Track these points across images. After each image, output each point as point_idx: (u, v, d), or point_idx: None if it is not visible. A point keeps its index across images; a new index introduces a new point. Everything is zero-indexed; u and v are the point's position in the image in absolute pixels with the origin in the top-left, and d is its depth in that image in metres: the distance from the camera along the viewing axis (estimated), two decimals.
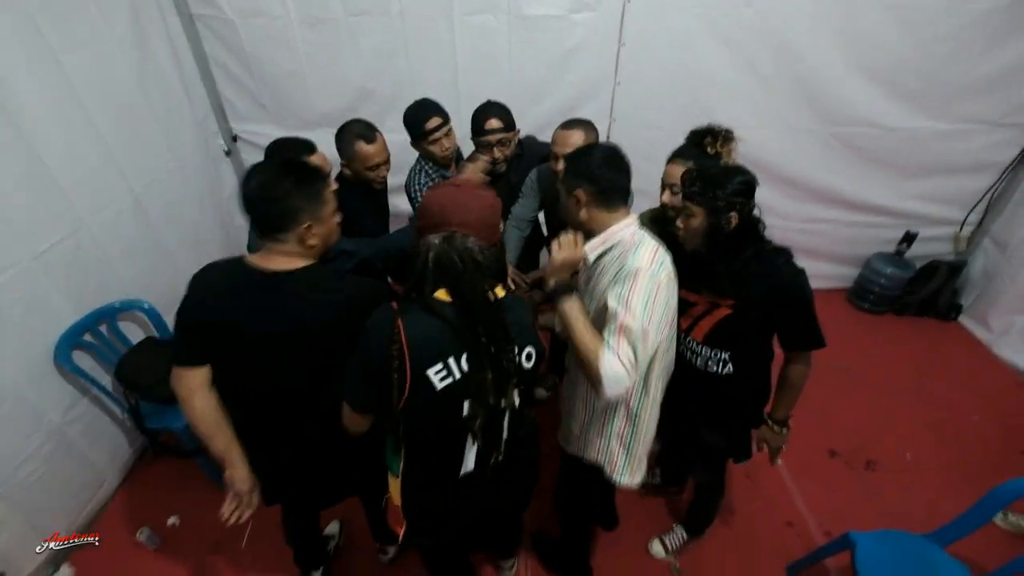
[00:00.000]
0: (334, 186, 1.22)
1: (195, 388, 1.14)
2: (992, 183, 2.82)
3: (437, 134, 1.83)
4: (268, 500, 1.32)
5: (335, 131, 2.90)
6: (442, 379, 0.96)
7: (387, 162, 1.84)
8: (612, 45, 2.49)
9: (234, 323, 1.09)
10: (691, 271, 1.34)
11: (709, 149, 1.49)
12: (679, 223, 1.31)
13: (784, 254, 1.32)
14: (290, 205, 1.07)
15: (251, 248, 1.76)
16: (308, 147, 1.70)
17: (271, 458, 1.26)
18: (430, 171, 1.93)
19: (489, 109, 1.85)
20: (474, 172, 1.79)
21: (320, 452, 1.28)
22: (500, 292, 1.02)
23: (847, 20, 2.36)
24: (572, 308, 1.15)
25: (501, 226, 1.06)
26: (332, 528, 1.95)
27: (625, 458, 1.37)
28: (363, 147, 1.76)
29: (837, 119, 2.65)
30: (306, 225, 1.09)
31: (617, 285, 1.13)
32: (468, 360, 0.97)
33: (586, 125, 1.72)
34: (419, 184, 1.91)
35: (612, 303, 1.11)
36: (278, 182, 1.07)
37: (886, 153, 2.74)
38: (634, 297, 1.10)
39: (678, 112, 2.64)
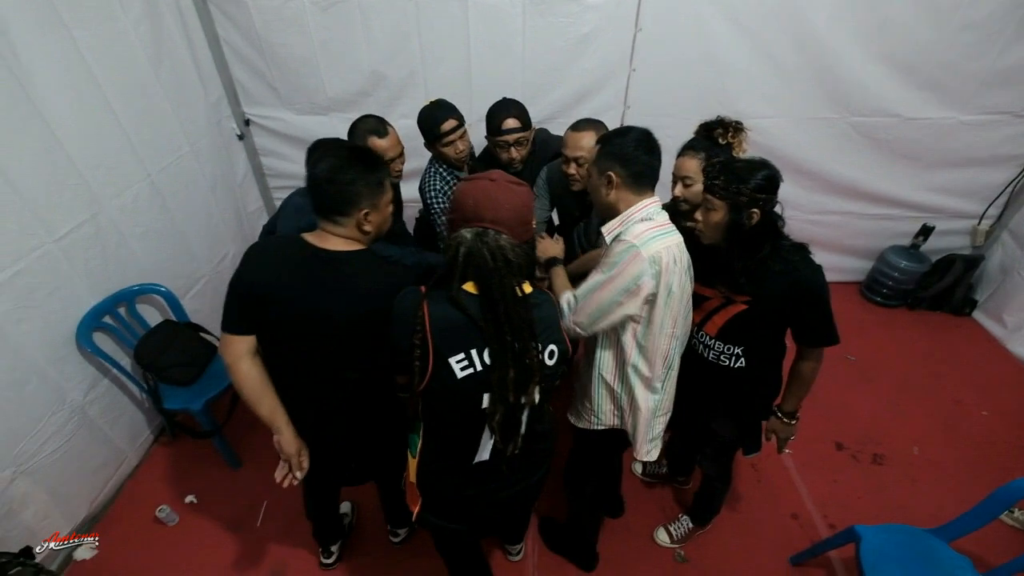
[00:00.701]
0: None
1: (241, 355, 1.19)
2: (1013, 176, 2.76)
3: (452, 136, 1.81)
4: (315, 471, 1.35)
5: (347, 115, 2.89)
6: (463, 368, 0.98)
7: (401, 155, 1.81)
8: (628, 30, 2.45)
9: (288, 296, 1.14)
10: (705, 265, 1.34)
11: (720, 140, 1.47)
12: (697, 215, 1.30)
13: (802, 250, 1.31)
14: (354, 190, 1.12)
15: (267, 232, 1.78)
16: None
17: (306, 434, 1.30)
18: (444, 173, 1.91)
19: (506, 108, 1.80)
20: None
21: (354, 432, 1.33)
22: (528, 288, 1.04)
23: (869, 7, 2.30)
24: (557, 271, 1.46)
25: (534, 223, 1.06)
26: (344, 507, 2.01)
27: (635, 426, 1.38)
28: (376, 142, 1.74)
29: (856, 108, 2.59)
30: (364, 211, 1.15)
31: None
32: (490, 355, 0.98)
33: (597, 125, 1.70)
34: (435, 187, 1.89)
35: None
36: (346, 167, 1.12)
37: (905, 144, 2.69)
38: (606, 260, 1.21)
39: (694, 100, 2.60)
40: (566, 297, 1.28)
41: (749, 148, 1.51)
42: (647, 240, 1.16)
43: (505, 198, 1.00)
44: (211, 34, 2.52)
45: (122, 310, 2.04)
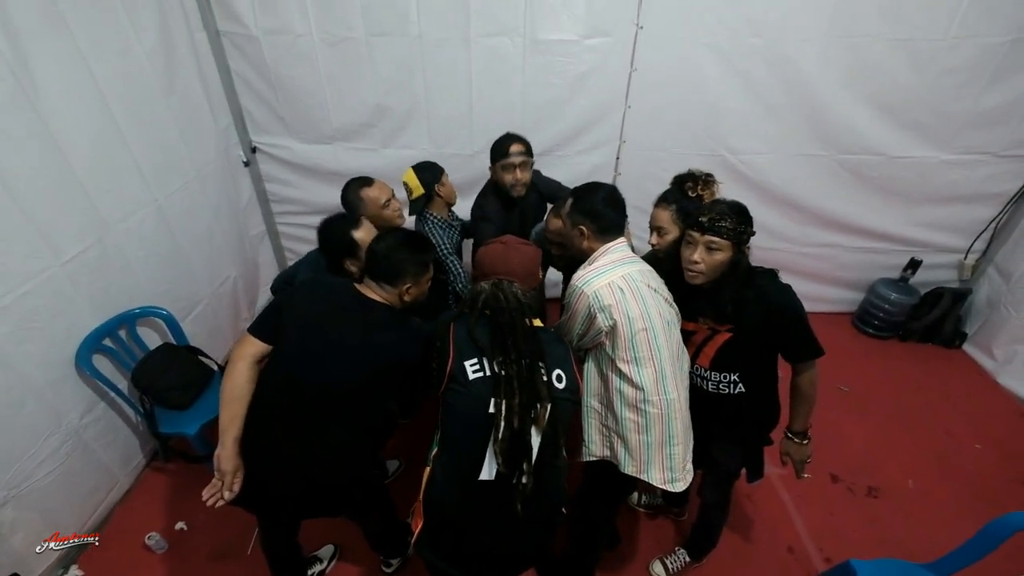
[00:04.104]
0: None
1: (246, 355, 1.32)
2: (996, 213, 2.85)
3: (444, 178, 2.11)
4: (247, 500, 1.34)
5: (351, 144, 2.97)
6: (475, 371, 1.15)
7: (393, 195, 1.98)
8: (624, 70, 2.56)
9: (319, 323, 1.32)
10: (684, 301, 1.41)
11: (690, 192, 1.55)
12: (696, 258, 1.34)
13: (770, 275, 1.39)
14: (402, 268, 1.37)
15: (284, 281, 1.92)
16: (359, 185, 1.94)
17: (264, 451, 1.31)
18: (439, 222, 2.09)
19: (512, 137, 2.04)
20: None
21: (312, 461, 1.32)
22: (538, 323, 1.25)
23: (854, 52, 2.42)
24: None
25: (540, 273, 1.26)
26: (324, 551, 1.92)
27: (627, 453, 1.39)
28: (367, 192, 1.93)
29: (843, 146, 2.69)
30: (408, 286, 1.38)
31: None
32: (498, 364, 1.14)
33: None
34: (438, 236, 2.04)
35: None
36: (401, 248, 1.38)
37: (891, 181, 2.79)
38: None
39: (687, 135, 2.70)
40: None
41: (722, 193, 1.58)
42: (588, 280, 1.33)
43: (514, 256, 1.29)
44: (222, 65, 2.61)
45: (122, 333, 2.06)
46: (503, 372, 1.13)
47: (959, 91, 2.48)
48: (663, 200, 1.58)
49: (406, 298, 1.40)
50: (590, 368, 1.43)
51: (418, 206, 2.09)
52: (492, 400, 1.13)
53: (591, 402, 1.43)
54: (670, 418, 1.35)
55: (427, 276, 1.44)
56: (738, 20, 2.38)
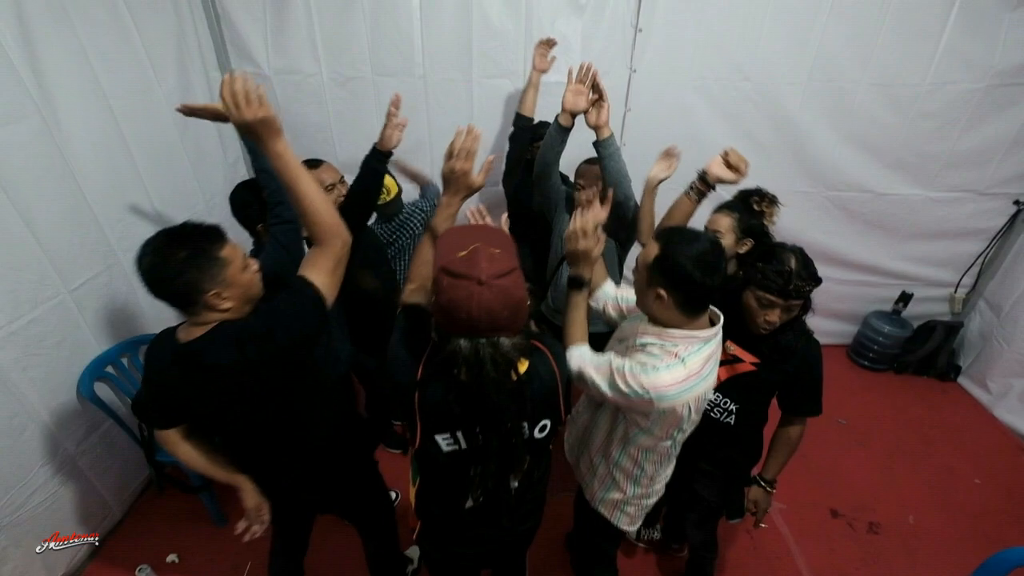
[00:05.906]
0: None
1: (175, 443, 1.25)
2: (983, 248, 2.92)
3: None
4: (274, 512, 1.38)
5: (354, 176, 3.04)
6: (449, 445, 1.02)
7: (342, 181, 1.90)
8: (618, 110, 2.67)
9: (177, 391, 1.12)
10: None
11: (755, 207, 1.59)
12: (774, 319, 1.30)
13: (804, 325, 1.41)
14: (187, 280, 1.00)
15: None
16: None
17: (269, 478, 1.35)
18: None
19: None
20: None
21: (311, 458, 1.34)
22: (524, 367, 0.98)
23: (838, 95, 2.54)
24: (578, 299, 1.29)
25: (528, 302, 0.95)
26: None
27: (619, 497, 1.38)
28: (314, 173, 1.85)
29: (831, 183, 2.79)
30: (212, 293, 1.03)
31: (640, 353, 1.14)
32: (474, 436, 1.00)
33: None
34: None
35: (615, 359, 1.14)
36: (168, 260, 1.00)
37: (879, 216, 2.87)
38: (625, 375, 1.10)
39: (679, 173, 2.77)
40: (572, 357, 1.20)
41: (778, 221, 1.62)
42: (663, 395, 1.07)
43: (500, 306, 0.88)
44: None
45: (124, 360, 2.07)
46: (480, 441, 0.99)
47: (940, 133, 2.60)
48: (725, 207, 1.60)
49: (225, 306, 1.04)
50: (601, 418, 1.34)
51: (398, 205, 2.12)
52: (472, 468, 1.05)
53: (587, 451, 1.41)
54: (651, 495, 1.37)
55: (232, 268, 1.04)
56: (726, 65, 2.51)
